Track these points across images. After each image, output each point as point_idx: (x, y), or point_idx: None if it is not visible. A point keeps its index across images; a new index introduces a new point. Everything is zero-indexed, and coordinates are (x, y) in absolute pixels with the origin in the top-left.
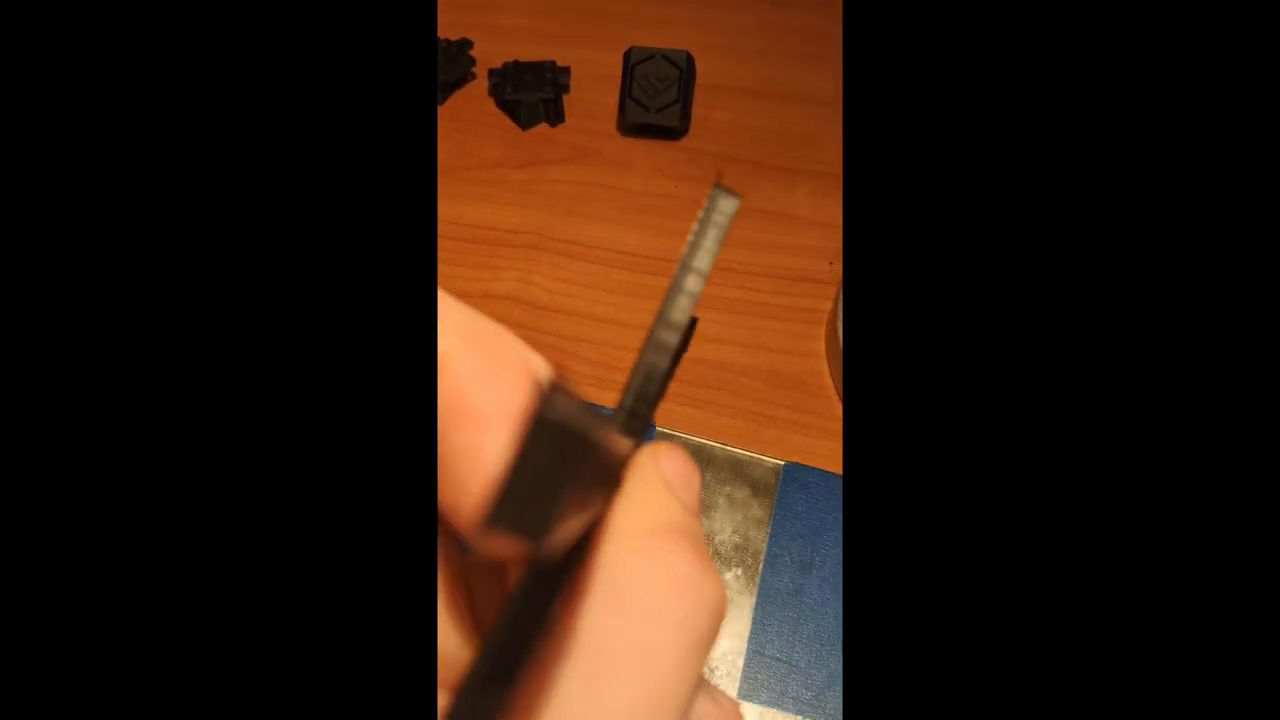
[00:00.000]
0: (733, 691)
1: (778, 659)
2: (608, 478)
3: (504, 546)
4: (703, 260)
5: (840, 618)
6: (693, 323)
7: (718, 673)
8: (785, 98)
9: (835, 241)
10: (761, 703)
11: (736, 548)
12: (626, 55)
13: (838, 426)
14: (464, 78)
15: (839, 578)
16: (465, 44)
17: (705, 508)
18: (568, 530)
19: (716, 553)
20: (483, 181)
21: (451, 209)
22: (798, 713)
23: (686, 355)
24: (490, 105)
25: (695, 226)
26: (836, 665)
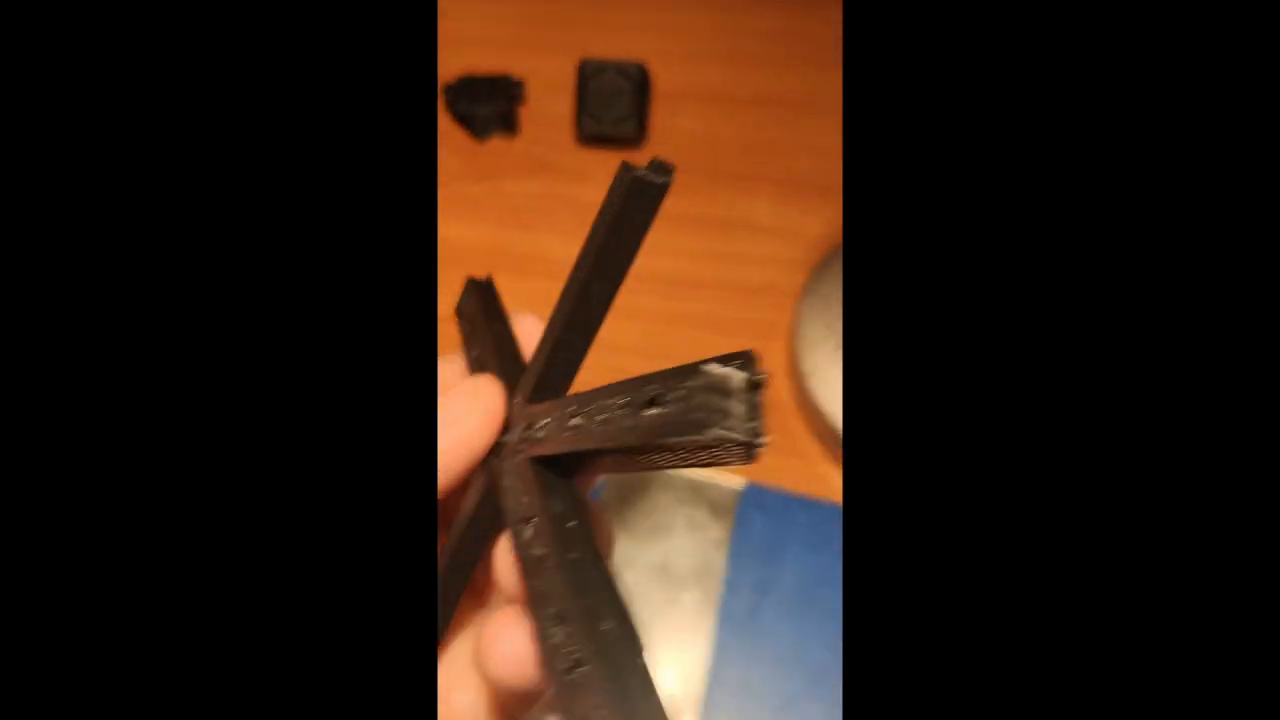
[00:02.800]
0: (694, 715)
1: (737, 681)
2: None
3: None
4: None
5: (797, 637)
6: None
7: (678, 696)
8: (746, 102)
9: (798, 251)
10: None
11: (695, 571)
12: (580, 68)
13: (796, 444)
14: None
15: (796, 598)
16: None
17: (664, 530)
18: None
19: (675, 577)
20: (438, 197)
21: None
22: None
23: (641, 372)
24: (444, 118)
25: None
26: (793, 686)
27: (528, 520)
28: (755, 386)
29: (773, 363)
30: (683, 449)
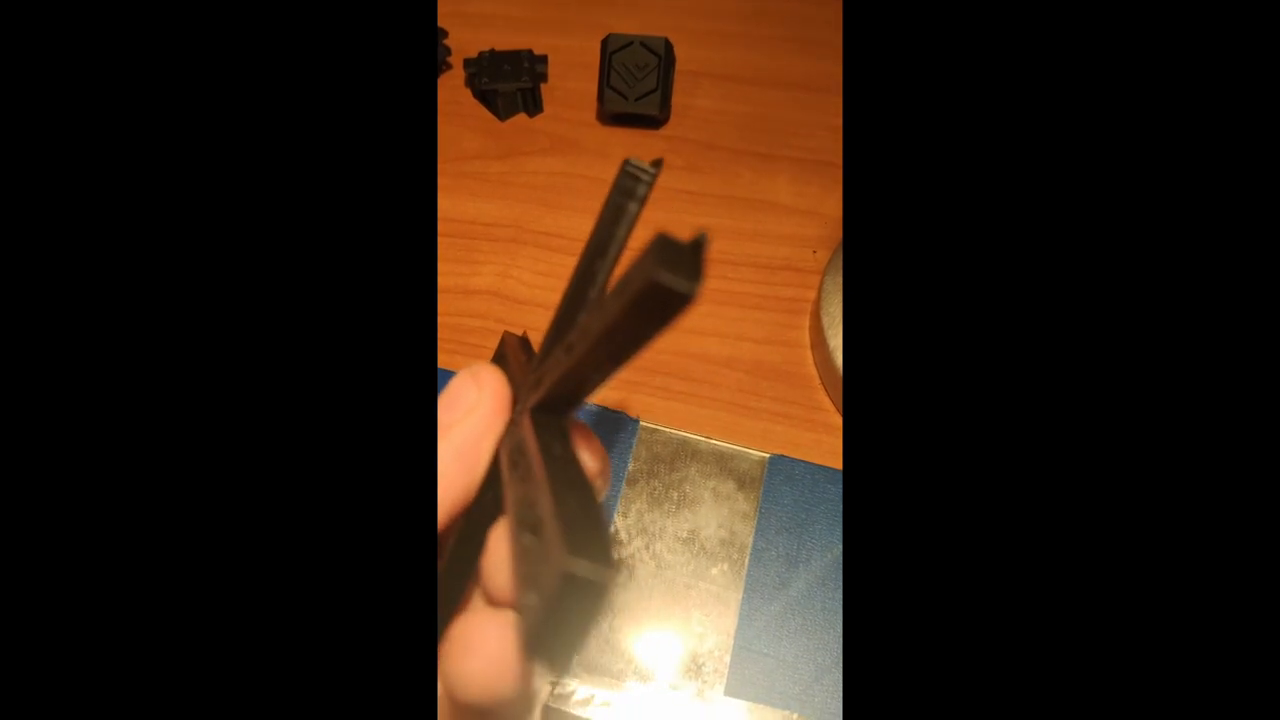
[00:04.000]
0: (720, 687)
1: (765, 654)
2: None
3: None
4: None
5: (827, 610)
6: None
7: (705, 669)
8: (765, 83)
9: (818, 229)
10: (749, 698)
11: (722, 542)
12: (604, 43)
13: (823, 417)
14: (439, 68)
15: (826, 570)
16: (439, 33)
17: (691, 502)
18: None
19: (702, 548)
20: (460, 174)
21: None
22: (785, 707)
23: (668, 347)
24: (467, 95)
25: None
26: (824, 658)
27: (517, 457)
28: (698, 246)
29: (798, 338)
30: (640, 314)
